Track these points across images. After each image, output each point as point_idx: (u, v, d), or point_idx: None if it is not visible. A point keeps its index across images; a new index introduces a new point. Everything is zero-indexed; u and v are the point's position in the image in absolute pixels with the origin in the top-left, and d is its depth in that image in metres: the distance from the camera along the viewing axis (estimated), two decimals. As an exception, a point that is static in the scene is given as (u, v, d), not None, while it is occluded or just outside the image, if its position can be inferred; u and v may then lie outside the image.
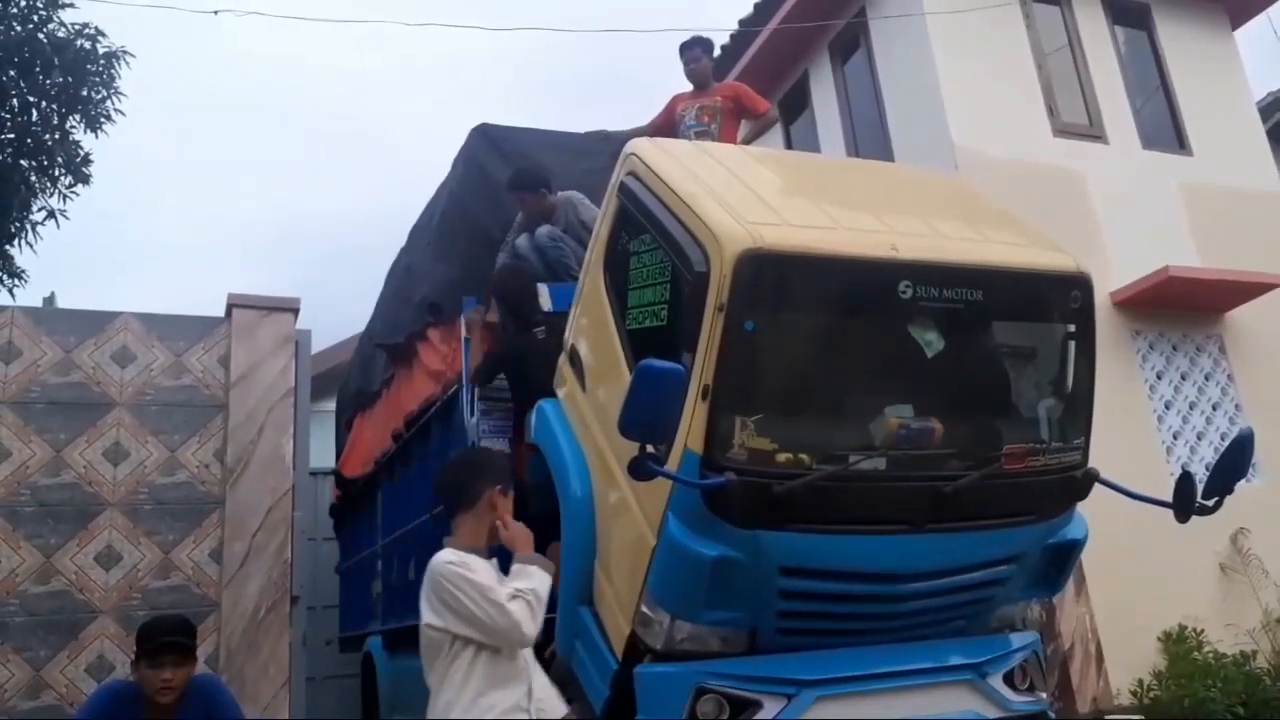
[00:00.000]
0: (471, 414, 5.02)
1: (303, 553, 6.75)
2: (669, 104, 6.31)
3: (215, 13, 6.23)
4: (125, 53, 8.16)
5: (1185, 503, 3.41)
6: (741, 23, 9.77)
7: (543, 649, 4.08)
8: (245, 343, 6.21)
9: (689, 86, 6.38)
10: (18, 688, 5.28)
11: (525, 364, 4.72)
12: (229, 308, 6.31)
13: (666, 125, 6.26)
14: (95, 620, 5.49)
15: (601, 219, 4.27)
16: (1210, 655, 6.55)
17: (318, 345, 8.84)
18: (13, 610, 5.38)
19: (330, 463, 9.44)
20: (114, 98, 8.18)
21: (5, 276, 8.46)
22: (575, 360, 4.18)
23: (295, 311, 6.43)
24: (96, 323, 6.03)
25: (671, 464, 3.11)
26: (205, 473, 5.95)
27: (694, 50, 6.33)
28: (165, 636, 3.60)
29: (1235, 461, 3.45)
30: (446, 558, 2.96)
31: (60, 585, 5.49)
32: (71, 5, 7.94)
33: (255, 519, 5.88)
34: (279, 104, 44.47)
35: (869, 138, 8.69)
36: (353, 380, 8.70)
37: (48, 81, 7.81)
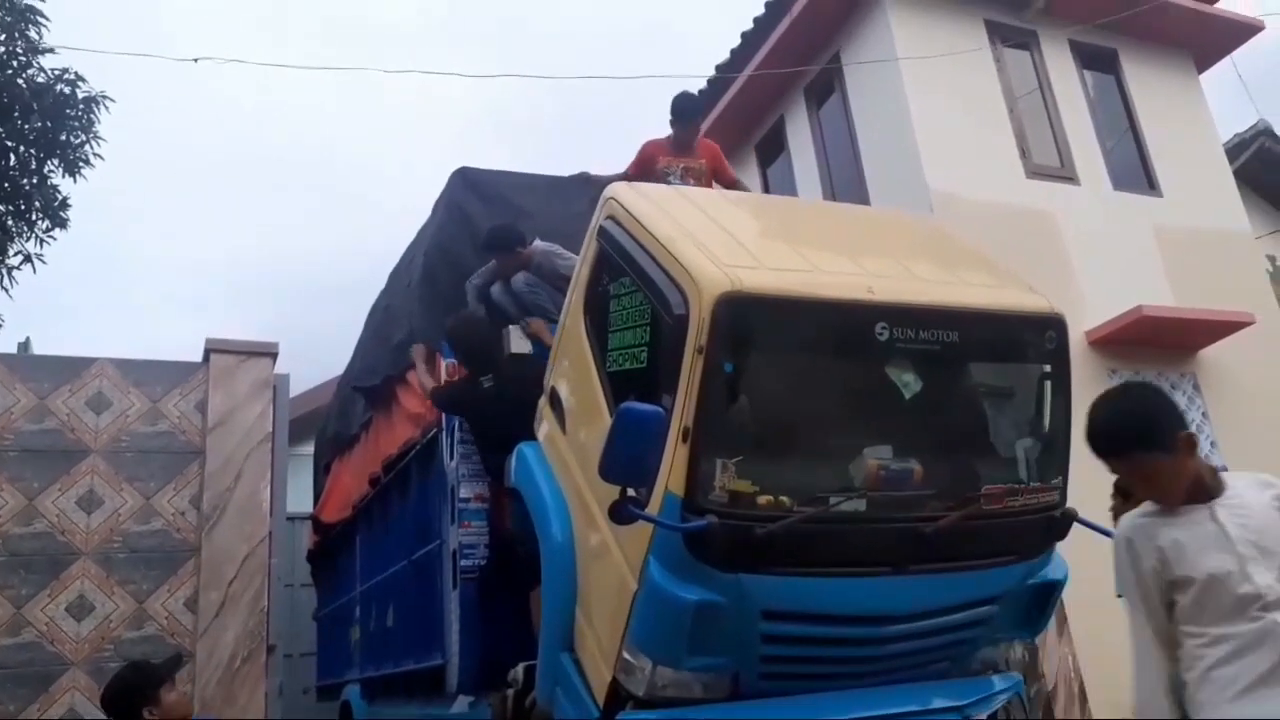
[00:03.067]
0: (451, 457, 5.00)
1: (279, 600, 6.66)
2: (644, 152, 6.26)
3: (195, 60, 6.28)
4: (105, 97, 8.18)
5: (1162, 542, 3.43)
6: (718, 68, 9.92)
7: (523, 697, 4.04)
8: (223, 388, 6.19)
9: (661, 132, 6.38)
10: (-14, 743, 5.17)
11: (474, 413, 4.77)
12: (207, 352, 6.29)
13: (641, 175, 6.25)
14: (66, 672, 5.39)
15: (582, 261, 4.29)
16: (1193, 694, 6.53)
17: (296, 388, 8.80)
18: (-19, 663, 5.28)
19: (308, 507, 9.34)
20: (93, 142, 8.19)
21: (-21, 321, 8.39)
22: (555, 402, 4.18)
23: (274, 356, 6.42)
24: (72, 369, 5.99)
25: (652, 507, 3.10)
26: (181, 520, 5.89)
27: (697, 120, 6.39)
28: (167, 662, 3.59)
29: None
30: None
31: (31, 637, 5.40)
32: (51, 51, 7.98)
33: (232, 567, 5.81)
34: (259, 149, 44.64)
35: (845, 181, 8.80)
36: (331, 424, 8.64)
37: (26, 126, 7.82)
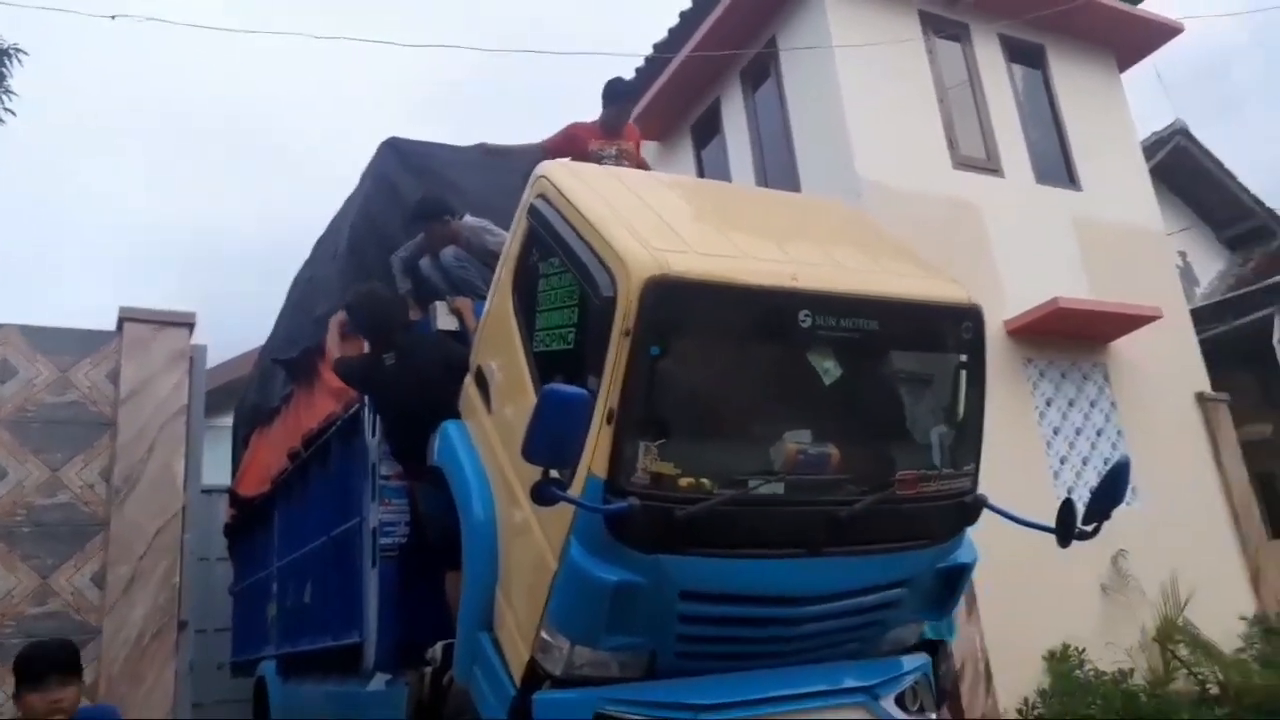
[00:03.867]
0: (373, 433, 4.94)
1: (194, 575, 6.52)
2: (571, 132, 6.18)
3: (113, 17, 6.01)
4: (17, 50, 7.80)
5: (1066, 528, 3.57)
6: (656, 47, 9.89)
7: (441, 675, 4.03)
8: (137, 358, 6.00)
9: (590, 114, 6.34)
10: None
11: (375, 390, 4.70)
12: (120, 321, 6.08)
13: (566, 153, 6.17)
14: (-36, 648, 5.20)
15: (511, 238, 4.25)
16: (1091, 673, 6.83)
17: (215, 359, 8.57)
18: (-128, 638, 5.06)
19: (225, 480, 9.14)
20: (4, 96, 7.81)
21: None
22: (481, 381, 4.14)
23: (191, 326, 6.24)
24: (-26, 334, 5.75)
25: (575, 488, 3.11)
26: (90, 493, 5.71)
27: (630, 104, 6.36)
28: (49, 657, 3.42)
29: (1113, 488, 3.64)
30: None
31: (-74, 612, 5.19)
32: (-42, 1, 7.57)
33: (142, 542, 5.67)
34: (184, 112, 43.06)
35: (777, 166, 8.87)
36: (250, 396, 8.45)
37: (-68, 76, 7.43)
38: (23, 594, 5.38)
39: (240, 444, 8.74)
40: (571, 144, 6.07)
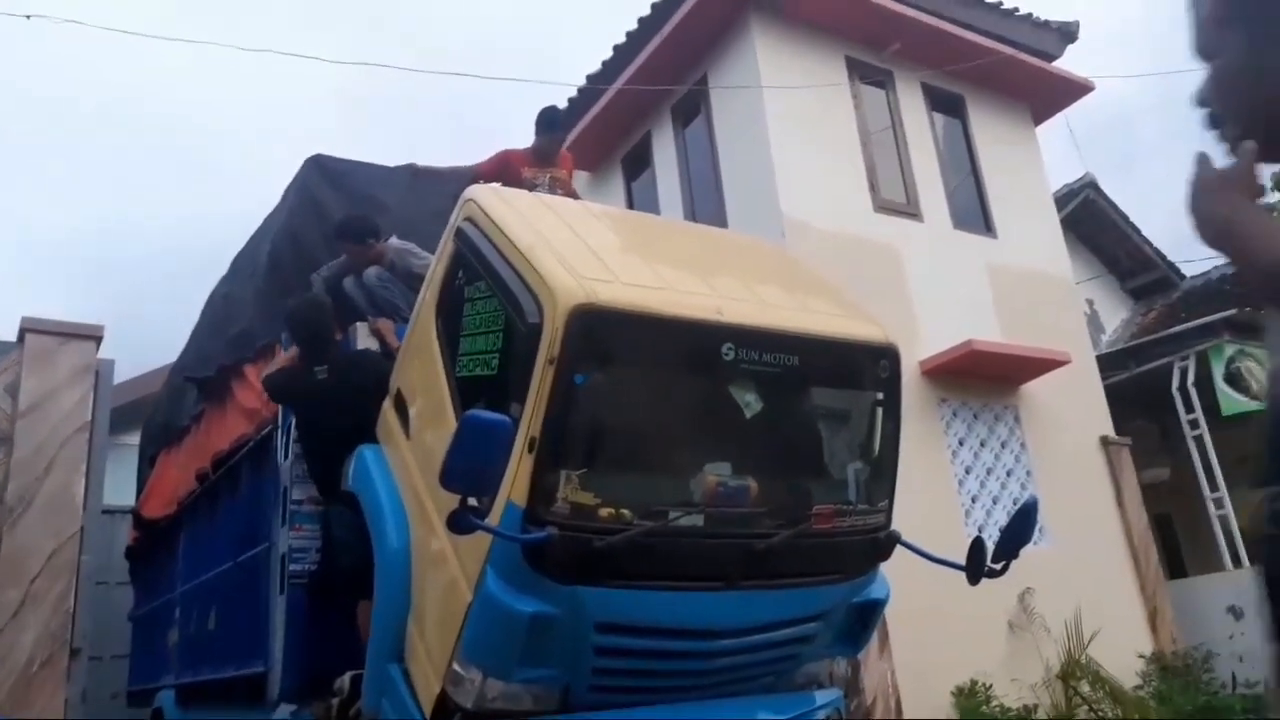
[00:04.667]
0: (285, 457, 4.81)
1: (91, 599, 6.24)
2: (504, 157, 6.21)
3: (28, 16, 5.82)
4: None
5: (977, 566, 3.67)
6: (589, 78, 9.96)
7: (348, 706, 3.92)
8: (39, 371, 5.76)
9: (522, 141, 6.38)
10: None
11: (305, 404, 4.59)
12: (22, 332, 5.84)
13: (498, 178, 6.18)
14: None
15: (437, 261, 4.22)
16: (997, 709, 6.97)
17: (123, 375, 8.27)
18: None
19: (129, 500, 8.79)
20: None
21: None
22: (400, 404, 4.08)
23: (98, 339, 6.02)
24: None
25: (493, 517, 3.07)
26: (-20, 511, 5.44)
27: (562, 133, 6.41)
28: None
29: (1022, 528, 3.75)
30: None
31: None
32: None
33: (35, 563, 5.41)
34: (97, 118, 41.77)
35: (705, 200, 8.99)
36: (159, 414, 8.17)
37: None
38: (-100, 617, 5.10)
39: (146, 463, 8.44)
40: (504, 169, 6.09)
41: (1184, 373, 9.91)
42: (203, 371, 6.60)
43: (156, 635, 7.54)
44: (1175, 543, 11.38)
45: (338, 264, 5.35)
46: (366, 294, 5.19)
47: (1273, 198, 8.28)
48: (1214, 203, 1.36)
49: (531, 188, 5.99)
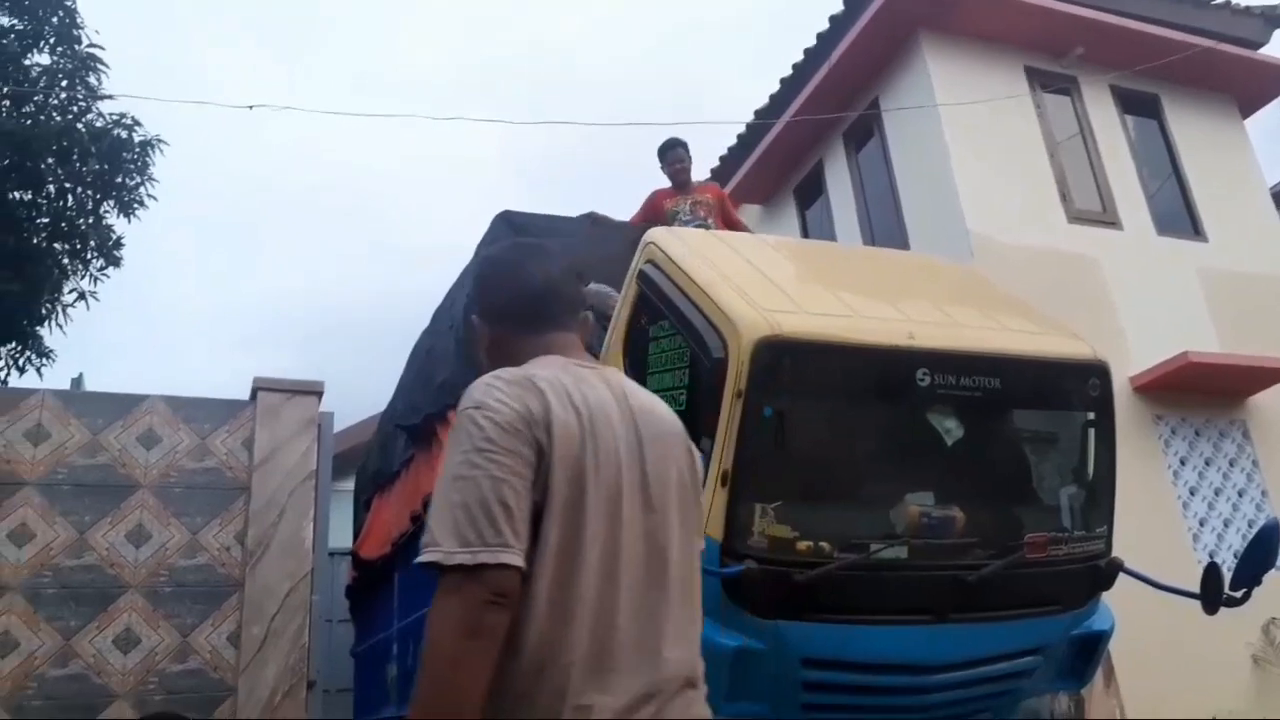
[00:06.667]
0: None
1: (320, 636, 6.71)
2: (650, 201, 6.42)
3: (251, 107, 6.46)
4: (160, 141, 8.45)
5: (1213, 594, 3.37)
6: (757, 113, 10.03)
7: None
8: (269, 425, 6.30)
9: (664, 183, 6.53)
10: (31, 773, 5.25)
11: None
12: (254, 390, 6.42)
13: (647, 220, 6.36)
14: (112, 704, 5.47)
15: (621, 304, 4.34)
16: (1246, 750, 6.37)
17: (338, 425, 8.90)
18: (30, 694, 5.37)
19: (348, 543, 9.40)
20: (147, 184, 8.45)
21: (35, 356, 8.63)
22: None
23: (319, 394, 6.53)
24: (124, 405, 6.14)
25: (693, 552, 3.11)
26: (226, 555, 5.97)
27: (678, 150, 6.48)
28: None
29: (1262, 552, 3.42)
30: None
31: (79, 668, 5.49)
32: (110, 97, 8.27)
33: (274, 602, 5.88)
34: (304, 195, 45.63)
35: (884, 224, 8.81)
36: (372, 461, 8.71)
37: (84, 168, 8.09)
38: (165, 651, 5.65)
39: (362, 507, 9.00)
40: (651, 209, 6.32)
41: None
42: (411, 420, 6.99)
43: (377, 670, 7.98)
44: None
45: None
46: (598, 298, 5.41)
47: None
48: None
49: (673, 217, 6.15)
